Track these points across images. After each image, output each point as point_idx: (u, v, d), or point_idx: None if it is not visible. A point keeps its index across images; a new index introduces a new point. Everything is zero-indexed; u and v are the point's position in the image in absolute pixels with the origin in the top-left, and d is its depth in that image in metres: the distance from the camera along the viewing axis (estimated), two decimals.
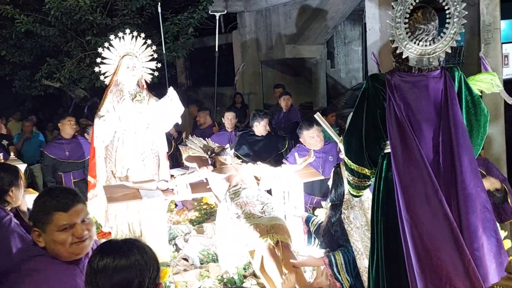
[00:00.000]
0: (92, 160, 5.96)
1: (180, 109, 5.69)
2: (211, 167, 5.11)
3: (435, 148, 3.13)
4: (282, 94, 9.67)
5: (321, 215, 4.63)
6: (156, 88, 9.20)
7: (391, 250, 3.16)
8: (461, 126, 3.11)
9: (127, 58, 5.75)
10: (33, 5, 11.28)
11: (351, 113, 3.43)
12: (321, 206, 5.24)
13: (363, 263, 3.63)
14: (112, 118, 5.65)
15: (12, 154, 7.64)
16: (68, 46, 11.34)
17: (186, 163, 5.75)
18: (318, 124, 5.44)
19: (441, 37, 3.08)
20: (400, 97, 3.14)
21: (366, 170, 3.35)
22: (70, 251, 2.47)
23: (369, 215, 3.54)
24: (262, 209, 4.36)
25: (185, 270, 4.72)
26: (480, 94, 3.61)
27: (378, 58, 8.09)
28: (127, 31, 5.85)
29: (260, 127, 6.96)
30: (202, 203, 6.47)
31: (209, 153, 5.42)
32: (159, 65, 6.06)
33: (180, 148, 6.37)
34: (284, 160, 6.04)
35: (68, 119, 7.60)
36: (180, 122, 5.87)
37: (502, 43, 7.56)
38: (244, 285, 4.30)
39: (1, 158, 7.16)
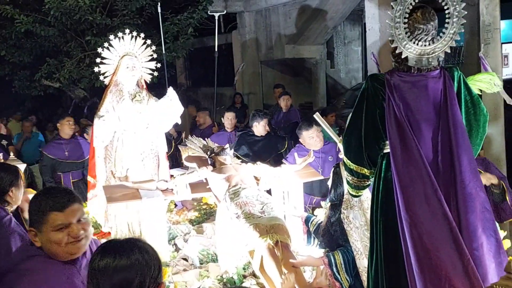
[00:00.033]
0: (91, 160, 5.96)
1: (180, 109, 5.68)
2: (210, 167, 5.11)
3: (435, 148, 3.13)
4: (281, 94, 9.67)
5: (321, 215, 4.64)
6: (156, 88, 9.20)
7: (390, 250, 3.17)
8: (460, 126, 3.11)
9: (126, 58, 5.74)
10: (32, 5, 11.28)
11: (351, 113, 3.43)
12: (320, 206, 5.24)
13: (362, 263, 3.63)
14: (111, 118, 5.65)
15: (11, 154, 7.64)
16: (68, 46, 11.35)
17: (185, 163, 5.75)
18: (318, 124, 5.45)
19: (441, 37, 3.08)
20: (399, 97, 3.14)
21: (365, 170, 3.35)
22: (66, 251, 2.47)
23: (368, 215, 3.54)
24: (261, 209, 4.36)
25: (184, 270, 4.72)
26: (479, 94, 3.61)
27: (378, 58, 8.09)
28: (127, 31, 5.85)
29: (259, 127, 6.96)
30: (201, 203, 6.47)
31: (208, 153, 5.42)
32: (158, 65, 6.06)
33: (179, 148, 6.37)
34: (283, 160, 6.04)
35: (67, 119, 7.60)
36: (179, 122, 5.87)
37: (502, 43, 7.57)
38: (243, 285, 4.30)
39: (1, 158, 7.16)
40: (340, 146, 3.63)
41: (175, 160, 8.07)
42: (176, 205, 6.40)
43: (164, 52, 8.90)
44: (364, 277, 3.60)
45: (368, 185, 3.49)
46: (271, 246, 3.96)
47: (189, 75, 18.45)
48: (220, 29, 15.22)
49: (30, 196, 2.70)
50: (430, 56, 3.11)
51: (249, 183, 4.77)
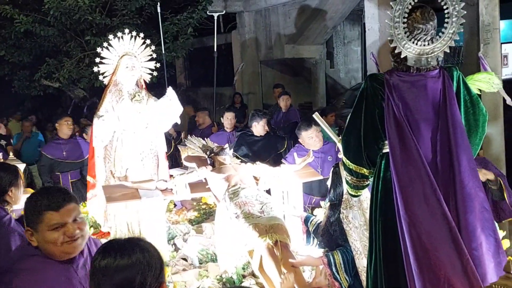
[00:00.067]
0: (91, 160, 5.96)
1: (179, 109, 5.69)
2: (210, 167, 5.12)
3: (434, 147, 3.13)
4: (281, 94, 9.66)
5: (320, 215, 4.63)
6: (155, 88, 9.20)
7: (389, 250, 3.16)
8: (459, 126, 3.11)
9: (126, 58, 5.74)
10: (32, 5, 11.29)
11: (350, 113, 3.43)
12: (320, 206, 5.24)
13: (361, 262, 3.63)
14: (111, 118, 5.65)
15: (11, 154, 7.64)
16: (68, 46, 11.35)
17: (185, 163, 5.76)
18: (317, 124, 5.45)
19: (440, 36, 3.08)
20: (398, 97, 3.14)
21: (365, 170, 3.35)
22: (62, 250, 2.48)
23: (367, 215, 3.54)
24: (261, 209, 4.36)
25: (184, 269, 4.72)
26: (479, 94, 3.61)
27: (377, 58, 8.09)
28: (126, 31, 5.85)
29: (258, 127, 6.96)
30: (201, 203, 6.47)
31: (208, 153, 5.42)
32: (158, 65, 6.06)
33: (179, 148, 6.37)
34: (283, 160, 6.04)
35: (65, 119, 7.59)
36: (179, 122, 5.87)
37: (502, 43, 7.57)
38: (243, 284, 4.30)
39: (0, 158, 7.16)
40: (340, 146, 3.63)
41: (174, 160, 8.07)
42: (175, 205, 6.40)
43: (163, 52, 8.90)
44: (363, 277, 3.60)
45: (367, 185, 3.49)
46: (270, 246, 3.96)
47: (188, 75, 18.45)
48: (220, 29, 15.24)
49: None
50: (429, 55, 3.10)
51: (249, 183, 4.77)
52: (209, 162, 5.30)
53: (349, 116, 3.39)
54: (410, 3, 3.07)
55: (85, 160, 7.33)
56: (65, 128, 7.52)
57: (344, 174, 3.60)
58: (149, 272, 1.96)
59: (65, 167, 7.47)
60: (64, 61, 11.16)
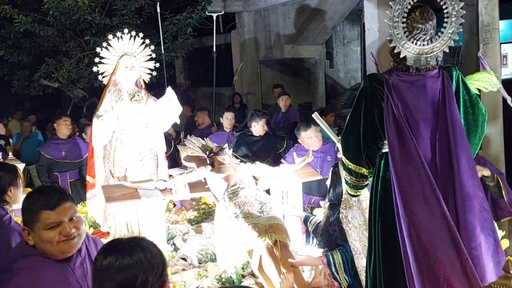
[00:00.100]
0: (90, 159, 5.96)
1: (179, 109, 5.69)
2: (209, 167, 5.12)
3: (433, 147, 3.13)
4: (280, 94, 9.67)
5: (320, 214, 4.64)
6: (155, 88, 9.20)
7: (388, 250, 3.17)
8: (458, 125, 3.12)
9: (125, 57, 5.74)
10: (31, 5, 11.28)
11: (349, 113, 3.43)
12: (319, 206, 5.24)
13: (361, 262, 3.63)
14: (110, 118, 5.64)
15: (10, 153, 7.64)
16: (67, 46, 11.34)
17: (184, 162, 5.76)
18: (316, 124, 5.45)
19: (439, 36, 3.08)
20: (398, 97, 3.14)
21: (364, 169, 3.35)
22: (59, 249, 2.48)
23: (367, 215, 3.55)
24: (260, 208, 4.36)
25: (183, 269, 4.72)
26: (478, 93, 3.61)
27: (377, 58, 8.09)
28: (126, 31, 5.85)
29: (258, 127, 6.96)
30: (200, 203, 6.47)
31: (207, 152, 5.42)
32: (157, 65, 6.05)
33: (178, 148, 6.37)
34: (282, 160, 6.04)
35: (64, 119, 7.60)
36: (178, 122, 5.87)
37: (501, 43, 7.58)
38: (242, 284, 4.30)
39: (0, 157, 7.16)
40: (339, 145, 3.63)
41: (174, 160, 8.07)
42: (175, 205, 6.40)
43: (163, 52, 8.90)
44: (363, 276, 3.60)
45: (367, 185, 3.49)
46: (269, 245, 3.96)
47: (188, 75, 18.45)
48: (219, 29, 15.24)
49: None
50: (429, 55, 3.11)
51: (248, 182, 4.77)
52: (208, 162, 5.30)
53: (348, 116, 3.39)
54: (409, 3, 3.07)
55: (83, 160, 7.35)
56: (63, 128, 7.53)
57: (343, 174, 3.60)
58: (151, 272, 1.96)
59: (64, 167, 7.48)
60: (63, 61, 11.15)
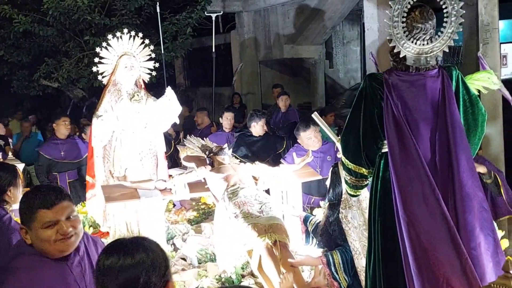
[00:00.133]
0: (90, 159, 5.95)
1: (178, 108, 5.69)
2: (209, 167, 5.12)
3: (433, 147, 3.13)
4: (280, 94, 9.66)
5: (319, 214, 4.63)
6: (155, 88, 9.20)
7: (388, 250, 3.17)
8: (458, 125, 3.12)
9: (125, 57, 5.73)
10: (31, 5, 11.28)
11: (349, 113, 3.43)
12: (319, 206, 5.24)
13: (361, 262, 3.63)
14: (110, 118, 5.64)
15: (10, 154, 7.63)
16: (67, 46, 11.34)
17: (184, 162, 5.75)
18: (315, 124, 5.45)
19: (439, 36, 3.08)
20: (397, 96, 3.14)
21: (364, 169, 3.35)
22: (56, 248, 2.48)
23: (366, 215, 3.55)
24: (260, 208, 4.36)
25: (183, 269, 4.72)
26: (478, 93, 3.61)
27: (376, 58, 8.08)
28: (125, 30, 5.85)
29: (257, 128, 6.96)
30: (200, 203, 6.47)
31: (207, 152, 5.42)
32: (157, 65, 6.05)
33: (178, 148, 6.37)
34: (282, 160, 6.04)
35: (63, 119, 7.60)
36: (178, 121, 5.87)
37: (501, 43, 7.58)
38: (242, 284, 4.30)
39: (0, 157, 7.15)
40: (339, 145, 3.63)
41: (173, 160, 8.07)
42: (174, 205, 6.40)
43: (162, 52, 8.89)
44: (362, 276, 3.60)
45: (366, 185, 3.49)
46: (269, 245, 3.96)
47: (187, 75, 18.45)
48: (219, 29, 15.23)
49: None
50: (428, 55, 3.11)
51: (248, 182, 4.77)
52: (208, 162, 5.30)
53: (348, 116, 3.39)
54: (409, 3, 3.07)
55: (82, 160, 7.35)
56: (62, 128, 7.53)
57: (343, 173, 3.60)
58: (153, 272, 1.97)
59: (63, 167, 7.48)
60: (63, 61, 11.15)
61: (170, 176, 5.69)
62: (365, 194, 3.71)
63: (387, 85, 3.16)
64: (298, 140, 6.04)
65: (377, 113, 3.20)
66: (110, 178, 5.55)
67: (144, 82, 6.00)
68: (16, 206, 3.66)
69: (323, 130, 4.88)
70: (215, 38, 10.72)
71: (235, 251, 4.57)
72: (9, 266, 2.45)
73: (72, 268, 2.54)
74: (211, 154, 5.30)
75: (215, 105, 11.31)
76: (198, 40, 15.23)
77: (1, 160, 6.94)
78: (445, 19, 3.06)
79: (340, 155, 3.55)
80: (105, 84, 5.87)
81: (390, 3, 3.11)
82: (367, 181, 3.43)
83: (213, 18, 10.76)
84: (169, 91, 5.69)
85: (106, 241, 4.76)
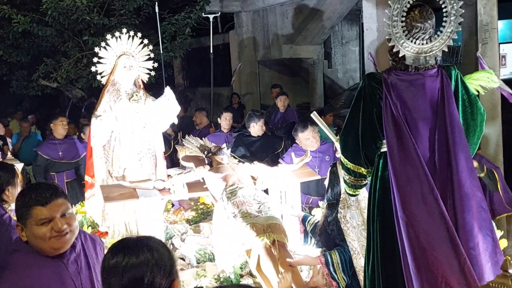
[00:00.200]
0: (89, 159, 5.94)
1: (177, 108, 5.69)
2: (207, 167, 5.12)
3: (431, 147, 3.13)
4: (279, 94, 9.67)
5: (318, 214, 4.63)
6: (154, 88, 9.19)
7: (387, 249, 3.16)
8: (457, 125, 3.11)
9: (123, 57, 5.73)
10: (30, 5, 11.28)
11: (348, 112, 3.43)
12: (317, 206, 5.24)
13: (359, 262, 3.63)
14: (109, 118, 5.64)
15: (9, 153, 7.63)
16: (65, 46, 11.33)
17: (183, 162, 5.75)
18: (313, 124, 5.45)
19: (438, 35, 3.08)
20: (396, 96, 3.14)
21: (363, 169, 3.35)
22: (50, 246, 2.48)
23: (365, 215, 3.54)
24: (258, 208, 4.36)
25: (181, 269, 4.71)
26: (477, 93, 3.61)
27: (375, 58, 8.08)
28: (124, 30, 5.84)
29: (256, 128, 6.96)
30: (198, 203, 6.47)
31: (205, 152, 5.42)
32: (156, 65, 6.05)
33: (177, 147, 6.37)
34: (280, 160, 6.04)
35: (60, 120, 7.59)
36: (176, 121, 5.87)
37: (500, 43, 7.57)
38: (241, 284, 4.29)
39: None
40: (337, 145, 3.63)
41: (172, 160, 8.06)
42: (173, 205, 6.40)
43: (161, 52, 8.89)
44: (361, 276, 3.59)
45: (365, 184, 3.49)
46: (268, 245, 3.96)
47: (186, 75, 18.47)
48: (218, 29, 15.24)
49: None
50: (428, 54, 3.11)
51: (246, 182, 4.77)
52: (206, 161, 5.29)
53: (347, 116, 3.39)
54: (408, 2, 3.07)
55: (80, 160, 7.34)
56: (60, 128, 7.52)
57: (341, 173, 3.60)
58: (158, 271, 1.97)
59: (61, 167, 7.48)
60: (62, 61, 11.14)
61: (168, 176, 5.68)
62: (363, 194, 3.71)
63: (386, 84, 3.16)
64: (296, 141, 6.05)
65: (376, 112, 3.20)
66: (109, 178, 5.54)
67: (143, 82, 6.00)
68: (14, 205, 3.68)
69: (322, 130, 4.88)
70: (214, 38, 10.72)
71: (233, 250, 4.57)
72: (7, 263, 2.45)
73: (67, 265, 2.54)
74: (210, 154, 5.30)
75: (214, 105, 11.32)
76: (197, 40, 15.25)
77: (0, 159, 6.93)
78: (444, 19, 3.06)
79: (339, 154, 3.55)
80: (104, 84, 5.87)
81: (389, 2, 3.11)
82: (366, 181, 3.43)
83: (211, 19, 10.76)
84: (168, 91, 5.69)
85: (105, 240, 4.76)
